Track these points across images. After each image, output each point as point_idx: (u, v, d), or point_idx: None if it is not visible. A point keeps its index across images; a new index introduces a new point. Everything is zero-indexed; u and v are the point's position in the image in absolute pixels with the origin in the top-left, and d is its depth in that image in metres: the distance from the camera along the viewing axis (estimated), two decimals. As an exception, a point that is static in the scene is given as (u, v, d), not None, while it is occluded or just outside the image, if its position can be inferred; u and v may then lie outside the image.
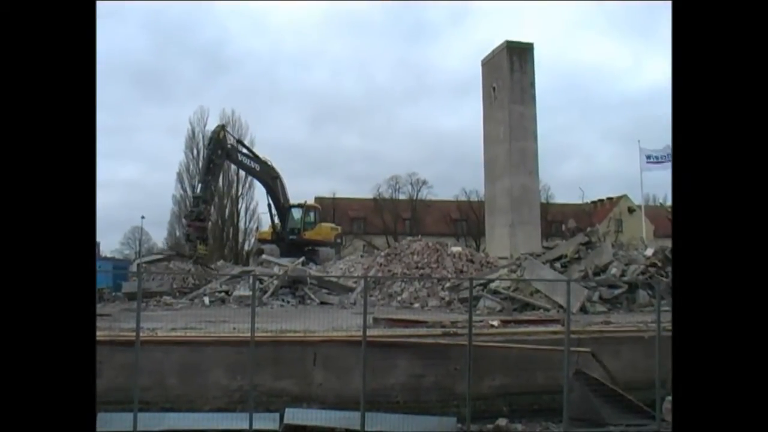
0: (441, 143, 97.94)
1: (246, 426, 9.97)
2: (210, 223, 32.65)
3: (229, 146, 31.28)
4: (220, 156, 30.50)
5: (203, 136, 59.78)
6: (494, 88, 50.21)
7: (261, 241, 35.60)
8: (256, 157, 33.20)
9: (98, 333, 10.65)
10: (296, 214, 34.97)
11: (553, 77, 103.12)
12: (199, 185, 31.79)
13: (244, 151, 33.64)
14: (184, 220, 32.44)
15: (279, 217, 34.18)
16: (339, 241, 39.11)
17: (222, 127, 31.87)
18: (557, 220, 60.44)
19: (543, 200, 59.73)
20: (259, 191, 56.49)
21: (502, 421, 10.91)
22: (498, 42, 50.31)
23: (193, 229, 29.76)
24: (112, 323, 12.71)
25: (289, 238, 33.60)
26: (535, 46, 50.23)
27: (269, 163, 33.61)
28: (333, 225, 39.57)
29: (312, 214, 36.09)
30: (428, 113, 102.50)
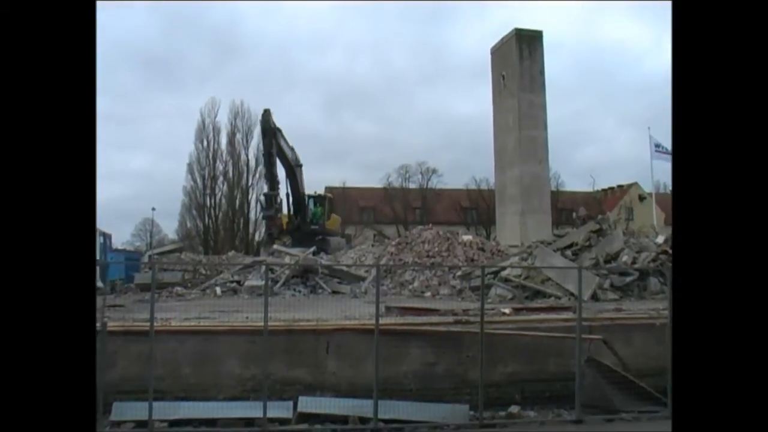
0: (456, 129, 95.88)
1: (260, 414, 9.97)
2: (282, 213, 33.09)
3: (276, 127, 31.56)
4: (273, 145, 30.85)
5: (213, 127, 60.09)
6: (503, 77, 50.07)
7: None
8: (287, 143, 33.39)
9: (112, 323, 10.87)
10: (316, 204, 35.15)
11: (574, 61, 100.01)
12: (267, 183, 32.10)
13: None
14: (263, 220, 32.95)
15: (295, 206, 34.22)
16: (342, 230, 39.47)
17: (268, 111, 32.01)
18: (567, 208, 60.25)
19: (553, 188, 59.56)
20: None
21: (514, 409, 10.87)
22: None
23: (276, 227, 30.22)
24: (125, 314, 12.79)
25: (311, 228, 33.67)
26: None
27: (295, 151, 33.79)
28: (335, 215, 39.72)
29: (327, 205, 36.33)
30: (445, 98, 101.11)
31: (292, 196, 33.94)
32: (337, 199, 46.57)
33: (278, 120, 31.88)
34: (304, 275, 21.12)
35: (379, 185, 70.70)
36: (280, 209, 32.51)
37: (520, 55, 48.68)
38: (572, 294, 15.31)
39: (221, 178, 61.54)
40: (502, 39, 50.98)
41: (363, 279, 21.17)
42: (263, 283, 13.26)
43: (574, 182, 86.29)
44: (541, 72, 49.28)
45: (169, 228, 70.11)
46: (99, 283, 17.79)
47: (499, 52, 51.44)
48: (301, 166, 34.02)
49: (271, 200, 31.73)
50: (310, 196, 35.23)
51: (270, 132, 31.07)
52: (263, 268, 18.30)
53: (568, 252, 18.95)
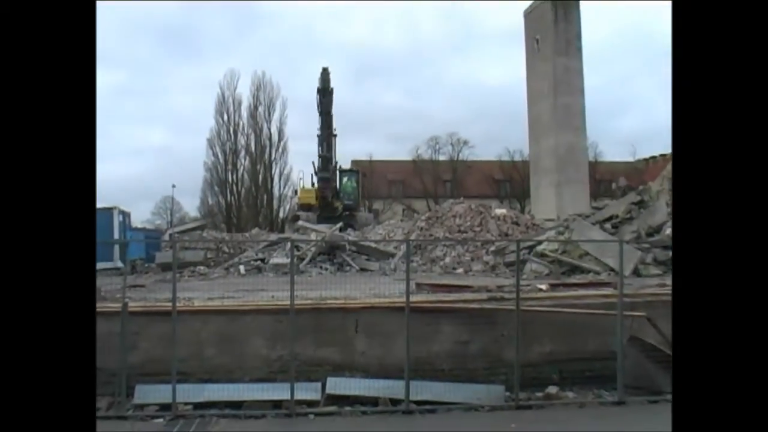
0: (488, 99, 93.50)
1: (287, 396, 9.86)
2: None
3: (331, 88, 31.63)
4: (331, 104, 30.97)
5: (233, 100, 59.58)
6: (537, 41, 48.99)
7: (303, 206, 35.41)
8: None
9: (133, 304, 10.87)
10: (349, 179, 35.02)
11: (613, 24, 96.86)
12: (324, 144, 31.97)
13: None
14: (319, 183, 32.90)
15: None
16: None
17: (326, 70, 31.95)
18: (606, 179, 58.97)
19: (591, 158, 58.48)
20: (293, 156, 56.38)
21: (552, 389, 10.68)
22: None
23: (330, 190, 30.36)
24: (146, 294, 12.89)
25: (345, 204, 33.53)
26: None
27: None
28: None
29: (358, 180, 36.39)
30: (476, 66, 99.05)
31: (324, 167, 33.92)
32: (364, 172, 46.35)
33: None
34: (330, 252, 20.95)
35: (408, 158, 70.04)
36: (335, 171, 32.41)
37: (555, 17, 47.39)
38: (612, 269, 15.07)
39: (243, 153, 60.84)
40: (536, 1, 49.73)
41: (392, 255, 21.01)
42: (288, 260, 13.17)
43: (614, 152, 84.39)
44: (578, 35, 48.07)
45: (190, 205, 69.61)
46: (119, 263, 17.75)
47: (532, 14, 50.26)
48: (336, 135, 33.94)
49: (326, 161, 31.57)
50: (342, 171, 35.15)
51: (329, 92, 31.03)
52: (288, 245, 18.12)
53: (608, 225, 18.51)
